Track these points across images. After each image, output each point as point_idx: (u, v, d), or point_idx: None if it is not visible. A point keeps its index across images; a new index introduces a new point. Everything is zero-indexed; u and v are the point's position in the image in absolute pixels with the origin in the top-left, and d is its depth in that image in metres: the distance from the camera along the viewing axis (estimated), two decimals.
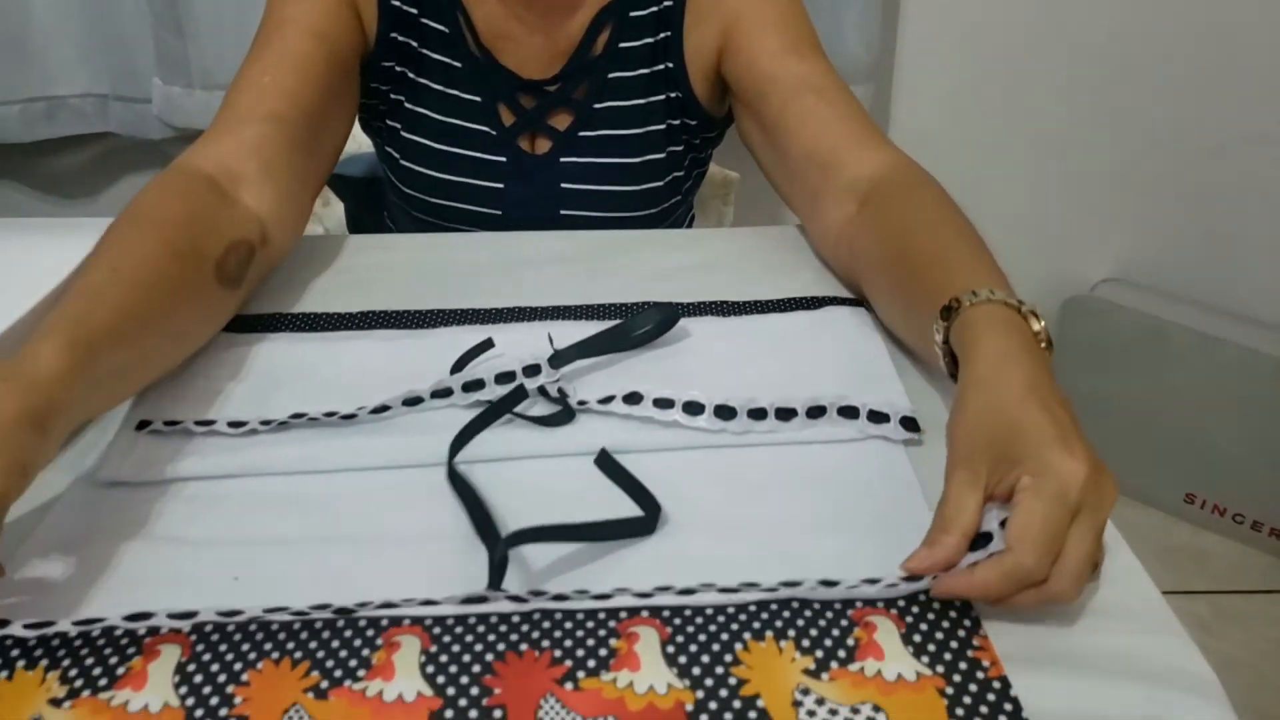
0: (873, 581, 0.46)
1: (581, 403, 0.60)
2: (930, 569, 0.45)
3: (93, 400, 0.51)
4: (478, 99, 0.83)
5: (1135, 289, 1.60)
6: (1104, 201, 1.59)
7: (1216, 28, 1.43)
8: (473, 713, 0.41)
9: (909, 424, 0.57)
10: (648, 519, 0.50)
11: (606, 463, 0.54)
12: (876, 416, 0.58)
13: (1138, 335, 1.54)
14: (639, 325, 0.64)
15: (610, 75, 0.83)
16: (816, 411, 0.58)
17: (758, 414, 0.58)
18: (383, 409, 0.59)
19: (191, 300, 0.60)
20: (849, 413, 0.58)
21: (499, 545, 0.46)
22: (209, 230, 0.63)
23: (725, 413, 0.58)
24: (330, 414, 0.58)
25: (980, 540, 0.45)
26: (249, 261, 0.65)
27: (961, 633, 0.44)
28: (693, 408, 0.59)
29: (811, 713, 0.41)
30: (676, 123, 0.85)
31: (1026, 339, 0.51)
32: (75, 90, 1.32)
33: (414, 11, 0.80)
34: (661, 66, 0.83)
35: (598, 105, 0.83)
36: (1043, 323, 0.53)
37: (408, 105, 0.84)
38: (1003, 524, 0.44)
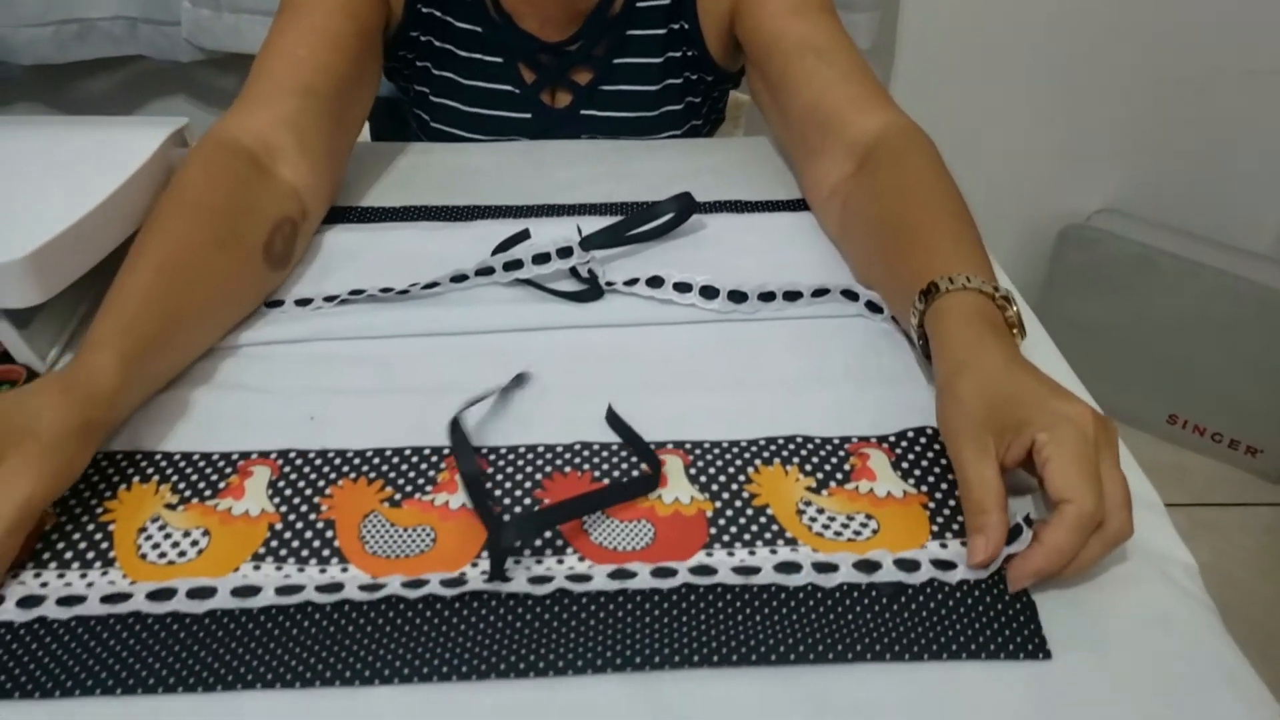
0: (942, 578, 0.45)
1: (609, 283, 0.66)
2: (996, 552, 0.44)
3: (136, 403, 0.54)
4: (499, 60, 0.87)
5: (1128, 219, 1.66)
6: (1100, 135, 1.64)
7: None
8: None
9: (872, 306, 0.64)
10: (651, 478, 0.50)
11: (614, 419, 0.55)
12: (874, 307, 0.64)
13: (1130, 263, 1.60)
14: (660, 212, 0.70)
15: (629, 32, 0.86)
16: (821, 292, 0.65)
17: (767, 296, 0.65)
18: (432, 285, 0.65)
19: (237, 287, 0.62)
20: (850, 295, 0.65)
21: (503, 534, 0.45)
22: (252, 213, 0.64)
23: (737, 297, 0.65)
24: (386, 290, 0.65)
25: (1011, 534, 0.45)
26: (294, 237, 0.67)
27: (944, 461, 0.52)
28: (708, 291, 0.65)
29: (813, 519, 0.48)
30: (694, 77, 0.89)
31: (997, 325, 0.53)
32: (106, 13, 1.36)
33: None
34: (677, 26, 0.86)
35: (617, 61, 0.87)
36: (1014, 308, 0.55)
37: (434, 71, 0.88)
38: (1026, 519, 0.45)
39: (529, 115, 0.89)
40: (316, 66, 0.72)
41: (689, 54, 0.87)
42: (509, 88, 0.88)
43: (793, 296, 0.65)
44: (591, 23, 0.85)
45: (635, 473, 0.51)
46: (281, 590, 0.44)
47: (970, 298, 0.54)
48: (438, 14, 0.85)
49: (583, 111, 0.89)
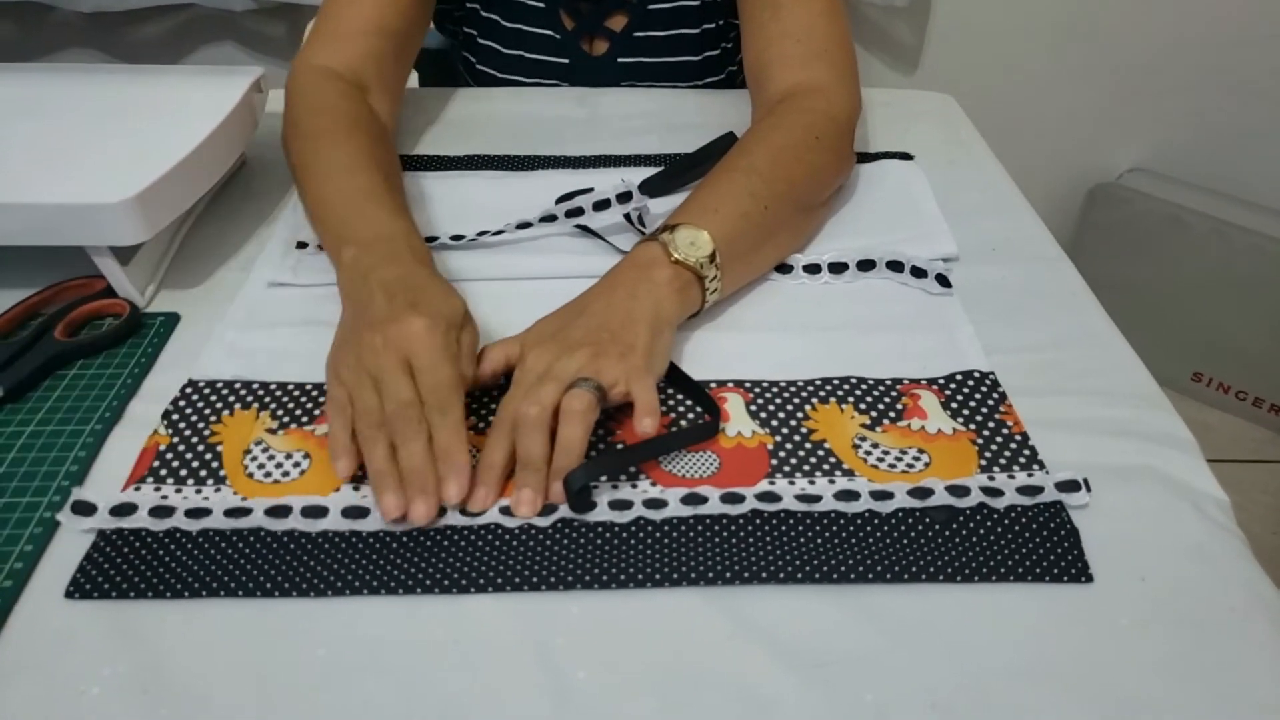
0: None
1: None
2: None
3: None
4: (541, 5, 0.89)
5: (1159, 178, 1.67)
6: (1131, 96, 1.64)
7: None
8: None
9: (942, 280, 0.65)
10: (712, 424, 0.53)
11: (674, 372, 0.57)
12: (918, 272, 0.66)
13: (1158, 222, 1.61)
14: (708, 153, 0.74)
15: None
16: (866, 265, 0.67)
17: (812, 269, 0.67)
18: (499, 233, 0.68)
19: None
20: (895, 266, 0.66)
21: (573, 477, 0.48)
22: (375, 121, 0.72)
23: (783, 268, 0.67)
24: (458, 237, 0.68)
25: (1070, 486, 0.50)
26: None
27: (991, 401, 0.55)
28: None
29: (868, 453, 0.52)
30: (723, 22, 0.91)
31: (644, 273, 0.58)
32: None
33: None
34: None
35: (651, 6, 0.89)
36: (680, 266, 0.58)
37: (482, 13, 0.91)
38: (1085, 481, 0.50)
39: (567, 60, 0.91)
40: (391, 5, 0.76)
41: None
42: (549, 32, 0.90)
43: (838, 269, 0.67)
44: None
45: (698, 408, 0.55)
46: None
47: (647, 248, 0.59)
48: None
49: (619, 59, 0.91)
